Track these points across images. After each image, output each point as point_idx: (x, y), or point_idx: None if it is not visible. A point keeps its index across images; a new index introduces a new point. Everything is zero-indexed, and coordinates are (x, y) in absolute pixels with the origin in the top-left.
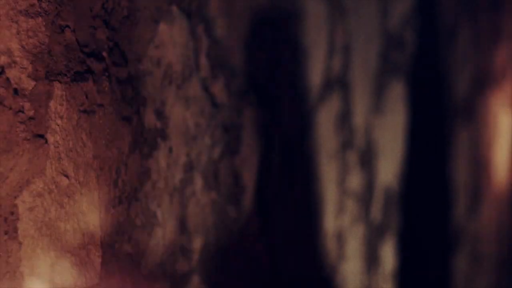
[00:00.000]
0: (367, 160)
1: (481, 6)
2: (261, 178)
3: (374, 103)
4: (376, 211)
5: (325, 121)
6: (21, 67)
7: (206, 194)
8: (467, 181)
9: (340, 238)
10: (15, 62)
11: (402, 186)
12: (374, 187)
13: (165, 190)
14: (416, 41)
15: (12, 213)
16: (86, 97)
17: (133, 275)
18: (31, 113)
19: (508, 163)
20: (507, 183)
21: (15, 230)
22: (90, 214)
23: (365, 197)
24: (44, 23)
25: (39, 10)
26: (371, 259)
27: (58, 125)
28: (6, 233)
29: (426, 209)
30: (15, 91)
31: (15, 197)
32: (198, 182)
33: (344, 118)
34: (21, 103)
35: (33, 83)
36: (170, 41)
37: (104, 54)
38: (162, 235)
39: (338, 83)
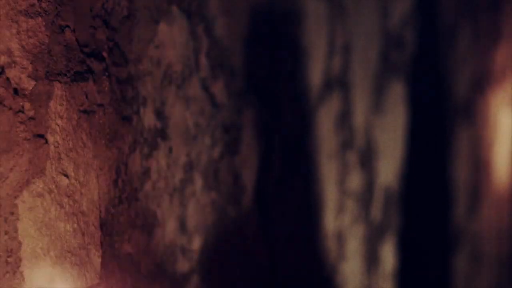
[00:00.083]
0: (367, 160)
1: (481, 6)
2: (261, 178)
3: (374, 103)
4: (376, 211)
5: (325, 121)
6: (21, 67)
7: (206, 194)
8: (467, 181)
9: (340, 238)
10: (15, 62)
11: (402, 186)
12: (374, 187)
13: (165, 190)
14: (416, 41)
15: (12, 213)
16: (86, 97)
17: (133, 275)
18: (31, 113)
19: (508, 163)
20: (507, 183)
21: (15, 230)
22: (90, 214)
23: (365, 197)
24: (44, 23)
25: (39, 10)
26: (371, 259)
27: (58, 125)
28: (6, 233)
29: (426, 209)
30: (15, 91)
31: (15, 197)
32: (198, 182)
33: (344, 118)
34: (21, 103)
35: (33, 83)
36: (170, 41)
37: (104, 54)
38: (162, 235)
39: (338, 83)
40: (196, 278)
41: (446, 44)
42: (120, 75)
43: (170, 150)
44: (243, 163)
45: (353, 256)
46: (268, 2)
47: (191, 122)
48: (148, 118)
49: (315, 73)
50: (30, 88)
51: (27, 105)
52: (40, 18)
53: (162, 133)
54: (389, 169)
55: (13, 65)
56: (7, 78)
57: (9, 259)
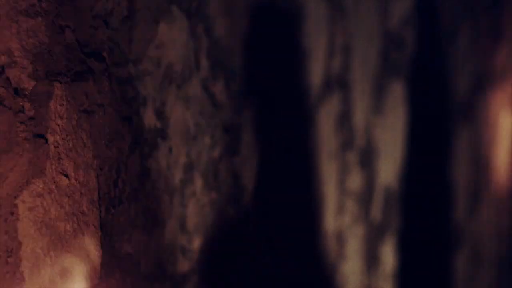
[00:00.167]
0: (367, 160)
1: (481, 6)
2: (261, 178)
3: (374, 103)
4: (376, 211)
5: (325, 121)
6: (21, 67)
7: (206, 194)
8: (467, 181)
9: (340, 238)
10: (15, 62)
11: (402, 186)
12: (374, 187)
13: (165, 190)
14: (416, 41)
15: (12, 213)
16: (86, 97)
17: (133, 275)
18: (31, 113)
19: (508, 163)
20: (507, 183)
21: (15, 230)
22: (90, 214)
23: (365, 197)
24: (44, 23)
25: (39, 10)
26: (371, 259)
27: (58, 125)
28: (6, 233)
29: (426, 209)
30: (15, 91)
31: (15, 197)
32: (198, 182)
33: (344, 118)
34: (21, 103)
35: (33, 83)
36: (170, 41)
37: (104, 54)
38: (162, 235)
39: (338, 83)
40: (196, 278)
41: (446, 44)
42: (120, 75)
43: (170, 150)
44: (243, 163)
45: (353, 256)
46: (268, 2)
47: (191, 122)
48: (148, 118)
49: (315, 73)
50: (30, 88)
51: (27, 105)
52: (40, 18)
53: (162, 133)
54: (389, 169)
55: (13, 65)
56: (7, 78)
57: (9, 259)
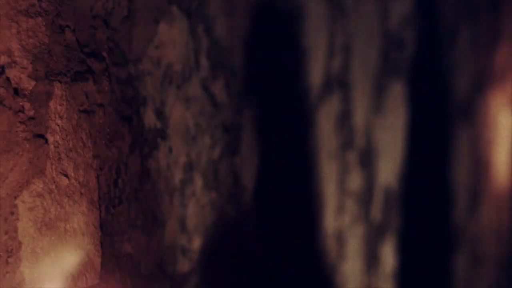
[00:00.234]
0: (367, 160)
1: (481, 6)
2: (261, 178)
3: (374, 103)
4: (376, 211)
5: (325, 121)
6: (21, 67)
7: (206, 194)
8: (467, 181)
9: (340, 238)
10: (15, 62)
11: (402, 186)
12: (374, 187)
13: (165, 190)
14: (416, 41)
15: (12, 213)
16: (86, 97)
17: (133, 275)
18: (31, 113)
19: (508, 163)
20: (507, 183)
21: (15, 230)
22: (90, 214)
23: (365, 197)
24: (44, 23)
25: (39, 10)
26: (371, 259)
27: (58, 125)
28: (6, 233)
29: (426, 209)
30: (15, 91)
31: (15, 197)
32: (198, 182)
33: (344, 118)
34: (21, 103)
35: (33, 83)
36: (170, 41)
37: (104, 54)
38: (162, 235)
39: (338, 83)
40: (196, 278)
41: (446, 44)
42: (120, 75)
43: (170, 150)
44: (243, 163)
45: (353, 256)
46: (268, 2)
47: (191, 122)
48: (148, 118)
49: (315, 73)
50: (30, 88)
51: (27, 105)
52: (40, 18)
53: (162, 133)
54: (389, 169)
55: (13, 65)
56: (7, 78)
57: (9, 259)
